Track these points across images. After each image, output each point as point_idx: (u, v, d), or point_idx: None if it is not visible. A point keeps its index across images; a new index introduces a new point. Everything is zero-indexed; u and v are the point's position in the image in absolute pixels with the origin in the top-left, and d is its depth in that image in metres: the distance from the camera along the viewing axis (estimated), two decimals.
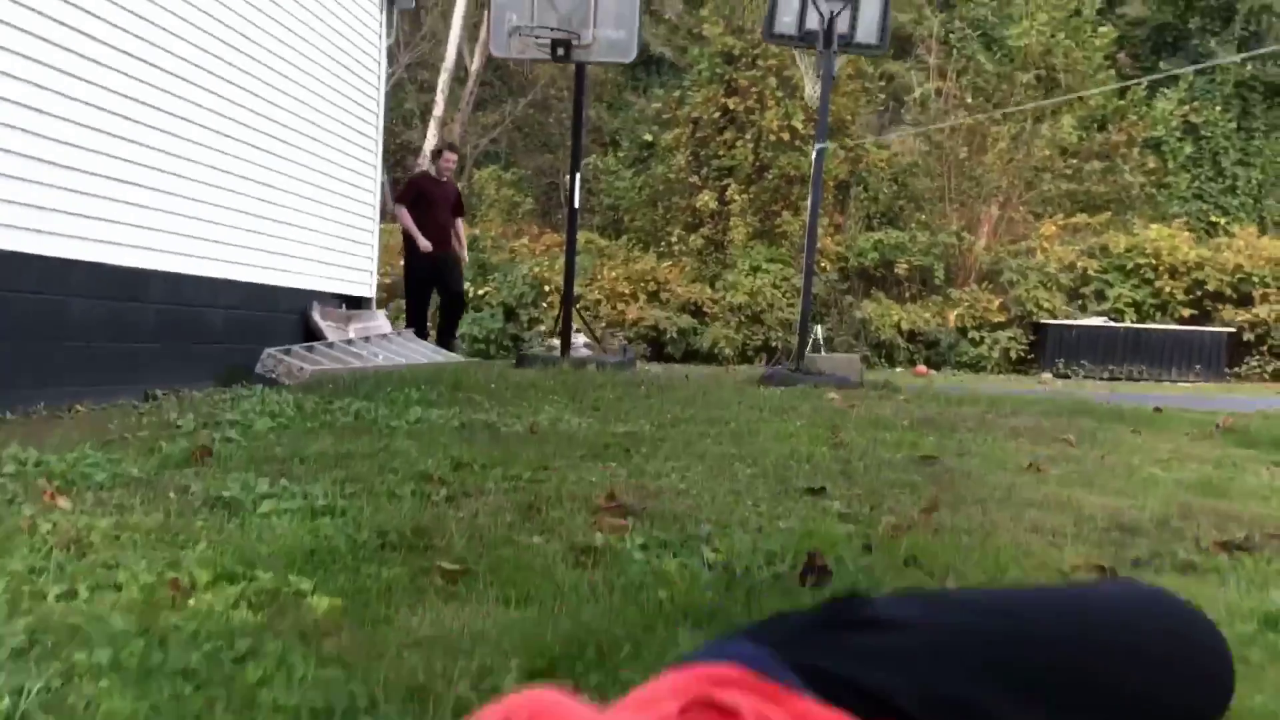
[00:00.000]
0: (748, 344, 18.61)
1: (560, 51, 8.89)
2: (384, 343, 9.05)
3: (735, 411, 6.69)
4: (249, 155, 7.60)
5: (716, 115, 20.18)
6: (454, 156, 11.02)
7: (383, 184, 10.65)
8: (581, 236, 20.57)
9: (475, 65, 23.99)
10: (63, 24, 5.58)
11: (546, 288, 18.81)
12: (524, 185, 22.67)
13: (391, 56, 15.01)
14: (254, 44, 7.59)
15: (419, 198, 10.23)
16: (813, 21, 10.22)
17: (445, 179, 10.49)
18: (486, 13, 9.14)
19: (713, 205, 19.83)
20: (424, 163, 22.99)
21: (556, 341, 9.72)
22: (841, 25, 10.20)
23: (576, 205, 9.39)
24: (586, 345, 9.97)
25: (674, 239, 20.12)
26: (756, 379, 9.51)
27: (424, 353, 9.36)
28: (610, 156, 21.62)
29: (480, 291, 18.77)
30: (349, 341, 8.52)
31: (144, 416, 5.37)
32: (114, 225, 6.10)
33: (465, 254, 11.08)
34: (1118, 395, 10.83)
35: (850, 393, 8.86)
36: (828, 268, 19.54)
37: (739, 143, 19.87)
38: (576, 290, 19.10)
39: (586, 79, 9.66)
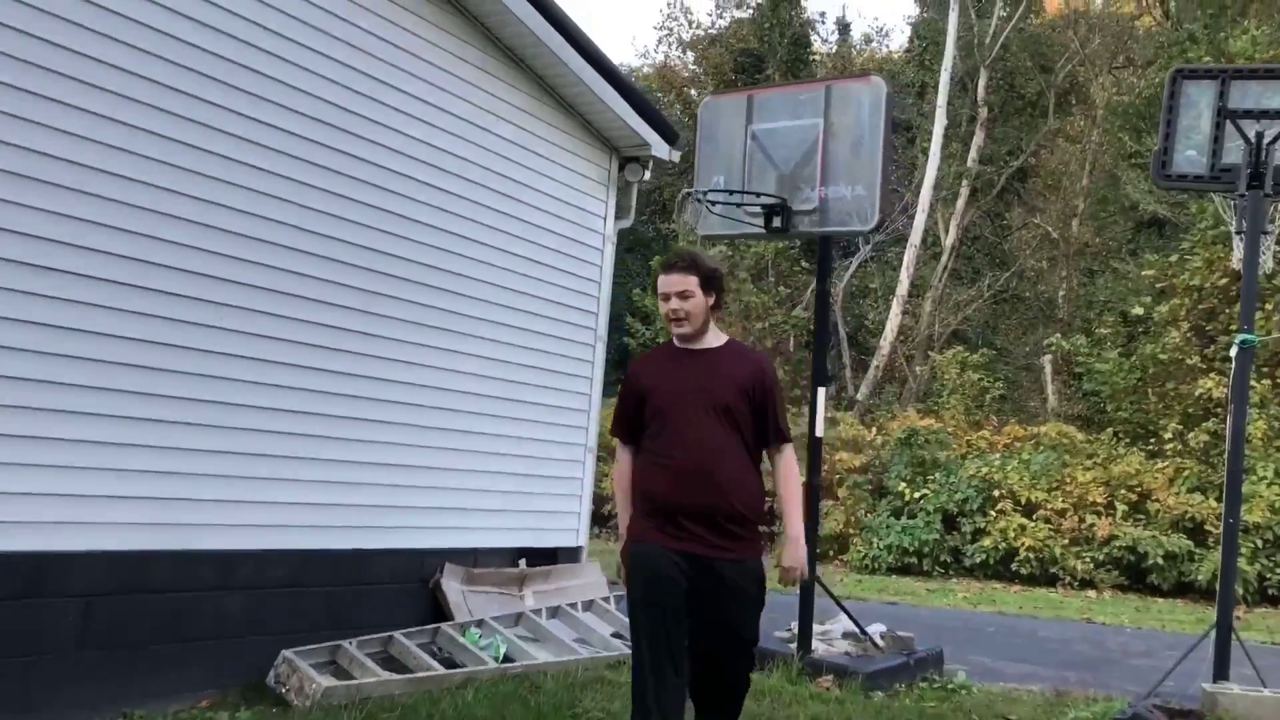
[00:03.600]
0: (1267, 578, 13.14)
1: (776, 221, 5.89)
2: (546, 622, 6.36)
3: None
4: (326, 359, 5.56)
5: (1224, 281, 15.13)
6: (686, 283, 3.86)
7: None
8: (1052, 429, 16.39)
9: (950, 238, 20.80)
10: None
11: (996, 492, 14.87)
12: (994, 367, 18.78)
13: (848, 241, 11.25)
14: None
15: (639, 407, 3.92)
16: (1234, 153, 6.29)
17: (696, 346, 3.93)
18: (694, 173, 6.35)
19: (1220, 393, 14.68)
20: (885, 347, 20.05)
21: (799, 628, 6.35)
22: None
23: (820, 432, 6.11)
24: (847, 636, 6.48)
25: (1168, 435, 15.15)
26: None
27: (601, 639, 6.48)
28: (1082, 335, 17.16)
29: (917, 495, 15.29)
30: (476, 624, 5.99)
31: None
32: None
33: (799, 543, 3.89)
34: None
35: None
36: None
37: (1257, 315, 14.66)
38: (1037, 495, 14.97)
39: (831, 259, 6.44)
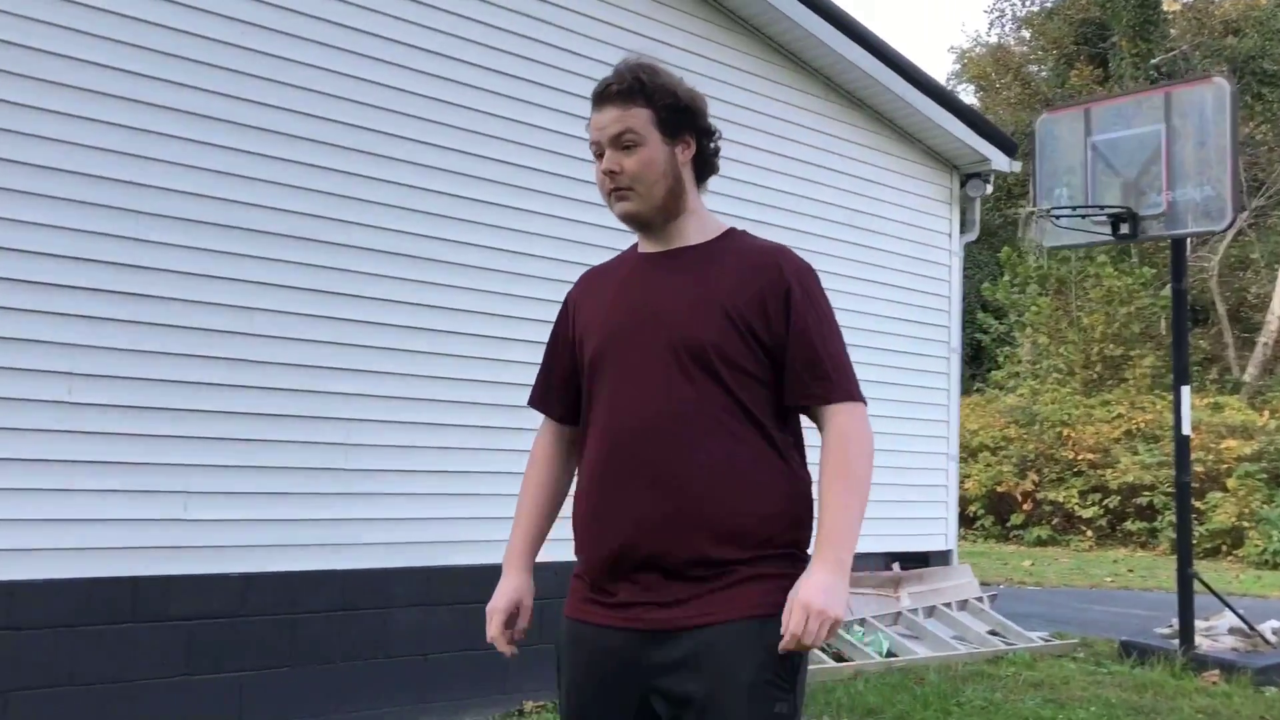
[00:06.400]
0: None
1: (1123, 228, 6.12)
2: (923, 620, 6.92)
3: None
4: None
5: None
6: (627, 120, 2.02)
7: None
8: None
9: None
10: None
11: None
12: None
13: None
14: None
15: (567, 354, 2.19)
16: None
17: (661, 245, 2.11)
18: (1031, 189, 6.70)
19: None
20: (1273, 321, 18.72)
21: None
22: None
23: (1187, 429, 6.25)
24: (1234, 632, 6.52)
25: None
26: None
27: (978, 636, 6.95)
28: None
29: None
30: (858, 622, 6.65)
31: None
32: (460, 522, 5.45)
33: (839, 575, 1.87)
34: None
35: None
36: None
37: None
38: None
39: (1185, 259, 6.50)
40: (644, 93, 2.01)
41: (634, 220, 2.07)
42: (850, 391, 2.00)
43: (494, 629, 2.17)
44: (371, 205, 5.16)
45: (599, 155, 2.05)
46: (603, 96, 2.04)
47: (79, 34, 4.39)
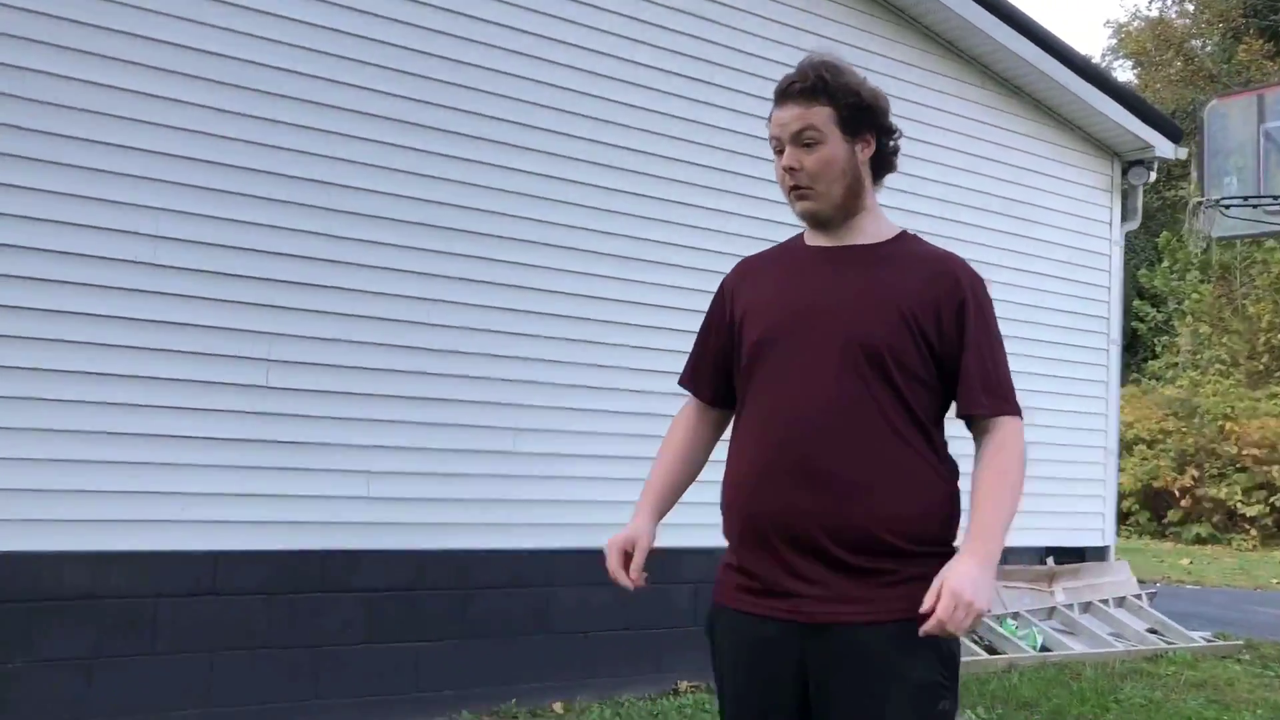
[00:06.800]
0: None
1: None
2: (1078, 616, 6.85)
3: None
4: None
5: None
6: (809, 118, 2.03)
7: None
8: None
9: None
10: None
11: None
12: None
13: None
14: None
15: (724, 339, 2.22)
16: None
17: (834, 240, 2.12)
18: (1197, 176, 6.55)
19: None
20: None
21: None
22: None
23: None
24: None
25: None
26: None
27: (1135, 634, 6.84)
28: None
29: None
30: (1012, 616, 6.63)
31: None
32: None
33: (984, 567, 1.88)
34: None
35: None
36: None
37: None
38: None
39: None
40: (827, 91, 2.03)
41: (813, 218, 2.10)
42: (1015, 406, 2.04)
43: (612, 562, 2.17)
44: (537, 200, 5.41)
45: (779, 151, 2.08)
46: (785, 94, 2.06)
47: (292, 47, 4.74)
